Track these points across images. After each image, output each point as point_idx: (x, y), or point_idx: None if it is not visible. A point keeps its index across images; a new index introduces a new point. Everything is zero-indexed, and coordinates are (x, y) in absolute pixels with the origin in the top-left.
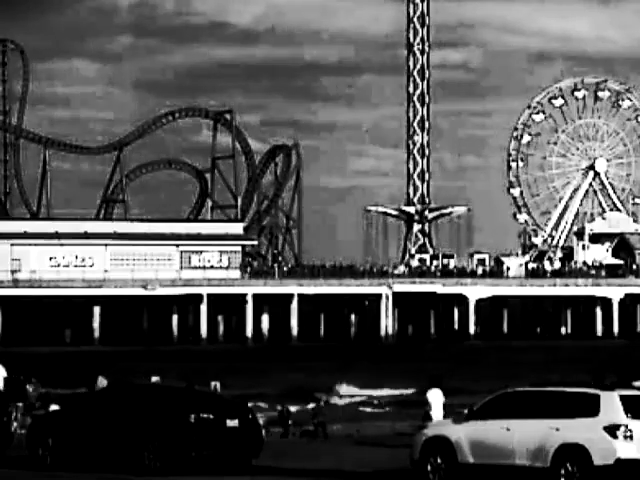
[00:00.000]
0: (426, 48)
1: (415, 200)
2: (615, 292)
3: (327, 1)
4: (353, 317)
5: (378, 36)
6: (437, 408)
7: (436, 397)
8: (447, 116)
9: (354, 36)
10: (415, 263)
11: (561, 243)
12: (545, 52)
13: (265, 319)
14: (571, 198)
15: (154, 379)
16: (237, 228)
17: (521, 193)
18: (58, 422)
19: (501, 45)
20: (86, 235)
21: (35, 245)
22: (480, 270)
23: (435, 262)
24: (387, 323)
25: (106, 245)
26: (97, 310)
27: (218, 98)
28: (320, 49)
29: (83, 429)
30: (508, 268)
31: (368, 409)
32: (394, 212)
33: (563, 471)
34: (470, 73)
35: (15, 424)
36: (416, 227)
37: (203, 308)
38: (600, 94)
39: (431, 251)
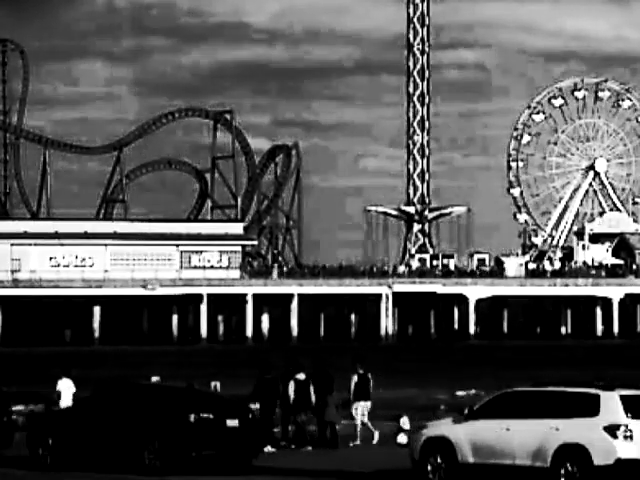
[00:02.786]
0: (426, 48)
1: (415, 200)
2: (615, 292)
3: (339, 1)
4: (353, 317)
5: (390, 37)
6: (66, 396)
7: (65, 386)
8: (451, 116)
9: (366, 36)
10: (415, 263)
11: (561, 243)
12: (560, 52)
13: (265, 319)
14: (571, 198)
15: (154, 379)
16: (237, 228)
17: (521, 193)
18: (58, 422)
19: (514, 45)
20: (86, 235)
21: (35, 245)
22: (480, 270)
23: (435, 262)
24: (387, 323)
25: (106, 245)
26: (97, 310)
27: (227, 98)
28: (331, 49)
29: (83, 429)
30: (504, 268)
31: None
32: (394, 212)
33: (563, 471)
34: (480, 73)
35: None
36: (416, 227)
37: (203, 308)
38: (600, 94)
39: (431, 251)
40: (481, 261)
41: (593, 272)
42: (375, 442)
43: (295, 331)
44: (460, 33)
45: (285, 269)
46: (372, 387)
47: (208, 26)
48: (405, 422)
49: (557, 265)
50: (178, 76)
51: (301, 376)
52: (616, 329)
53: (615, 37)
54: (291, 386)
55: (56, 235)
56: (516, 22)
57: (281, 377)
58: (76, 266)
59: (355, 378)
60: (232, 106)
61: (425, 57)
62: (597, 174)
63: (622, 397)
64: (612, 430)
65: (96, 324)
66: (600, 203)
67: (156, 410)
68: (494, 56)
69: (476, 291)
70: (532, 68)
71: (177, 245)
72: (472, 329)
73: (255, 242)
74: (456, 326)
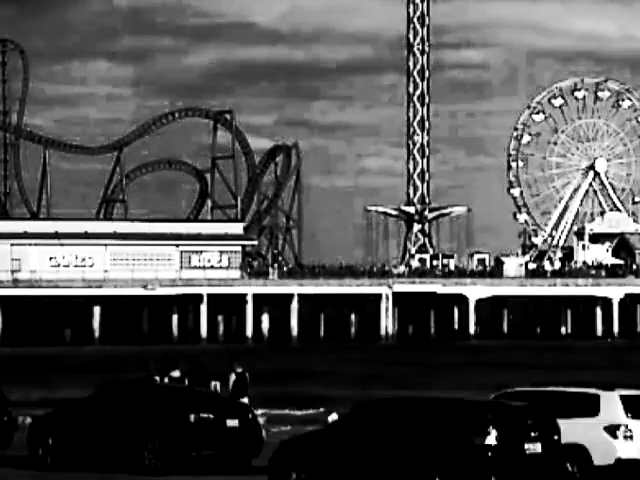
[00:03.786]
0: (426, 48)
1: (415, 200)
2: (615, 292)
3: (343, 2)
4: (353, 317)
5: (393, 37)
6: None
7: None
8: (451, 116)
9: (368, 36)
10: (415, 263)
11: (561, 243)
12: (568, 52)
13: (265, 319)
14: (571, 198)
15: (174, 374)
16: (237, 228)
17: (521, 193)
18: (58, 422)
19: (520, 45)
20: (86, 235)
21: (35, 245)
22: (480, 270)
23: (435, 262)
24: (387, 323)
25: (106, 245)
26: (97, 310)
27: (229, 98)
28: (333, 49)
29: (83, 429)
30: (500, 268)
31: None
32: (394, 212)
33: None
34: (485, 72)
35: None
36: (416, 227)
37: (203, 308)
38: (600, 94)
39: (431, 251)
40: (481, 261)
41: (593, 272)
42: None
43: (295, 331)
44: (465, 33)
45: (285, 269)
46: (248, 385)
47: (212, 26)
48: (334, 419)
49: (557, 265)
50: (180, 76)
51: (176, 373)
52: (616, 329)
53: (623, 37)
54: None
55: (56, 235)
56: (522, 22)
57: (157, 373)
58: (76, 266)
59: (233, 377)
60: (231, 106)
61: (425, 57)
62: (597, 174)
63: (622, 397)
64: (612, 430)
65: (96, 324)
66: (600, 203)
67: (156, 410)
68: (499, 56)
69: (476, 291)
70: (538, 68)
71: (177, 245)
72: (472, 329)
73: (255, 242)
74: (456, 326)
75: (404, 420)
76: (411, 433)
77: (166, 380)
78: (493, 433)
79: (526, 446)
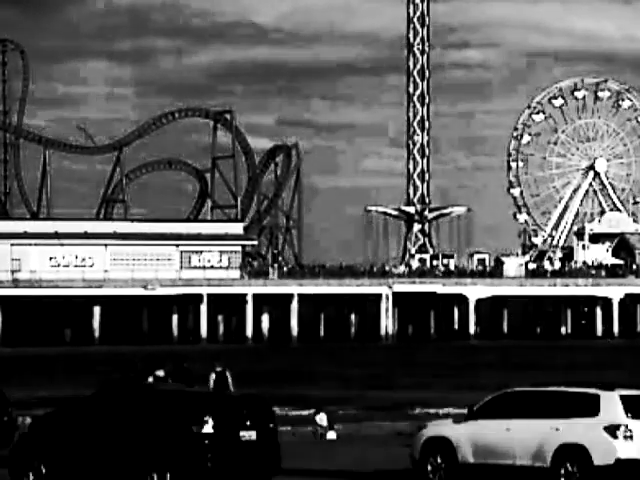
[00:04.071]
0: (426, 48)
1: (415, 200)
2: (615, 292)
3: (345, 2)
4: (353, 317)
5: (393, 37)
6: None
7: None
8: (451, 116)
9: (370, 36)
10: (415, 263)
11: (561, 243)
12: (568, 52)
13: (265, 319)
14: (571, 198)
15: (159, 373)
16: (237, 228)
17: (521, 193)
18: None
19: (521, 45)
20: (86, 235)
21: (35, 245)
22: (480, 270)
23: (435, 262)
24: (387, 323)
25: (106, 245)
26: (97, 310)
27: (230, 98)
28: (334, 49)
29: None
30: (500, 268)
31: None
32: (394, 212)
33: (563, 471)
34: (485, 72)
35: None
36: (416, 227)
37: (203, 308)
38: (600, 94)
39: (431, 251)
40: (481, 261)
41: (593, 272)
42: None
43: (295, 331)
44: (465, 33)
45: (285, 269)
46: (231, 383)
47: (212, 26)
48: (322, 419)
49: (557, 265)
50: (180, 76)
51: (160, 373)
52: (616, 329)
53: (623, 37)
54: (149, 381)
55: (56, 235)
56: (523, 22)
57: (141, 373)
58: (76, 266)
59: (213, 376)
60: (233, 106)
61: (425, 57)
62: (597, 174)
63: (622, 397)
64: (612, 430)
65: (96, 324)
66: (600, 203)
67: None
68: (499, 56)
69: (476, 291)
70: (538, 68)
71: (177, 245)
72: (472, 329)
73: (255, 242)
74: (456, 326)
75: (129, 411)
76: (134, 424)
77: (150, 379)
78: (210, 422)
79: (241, 434)
